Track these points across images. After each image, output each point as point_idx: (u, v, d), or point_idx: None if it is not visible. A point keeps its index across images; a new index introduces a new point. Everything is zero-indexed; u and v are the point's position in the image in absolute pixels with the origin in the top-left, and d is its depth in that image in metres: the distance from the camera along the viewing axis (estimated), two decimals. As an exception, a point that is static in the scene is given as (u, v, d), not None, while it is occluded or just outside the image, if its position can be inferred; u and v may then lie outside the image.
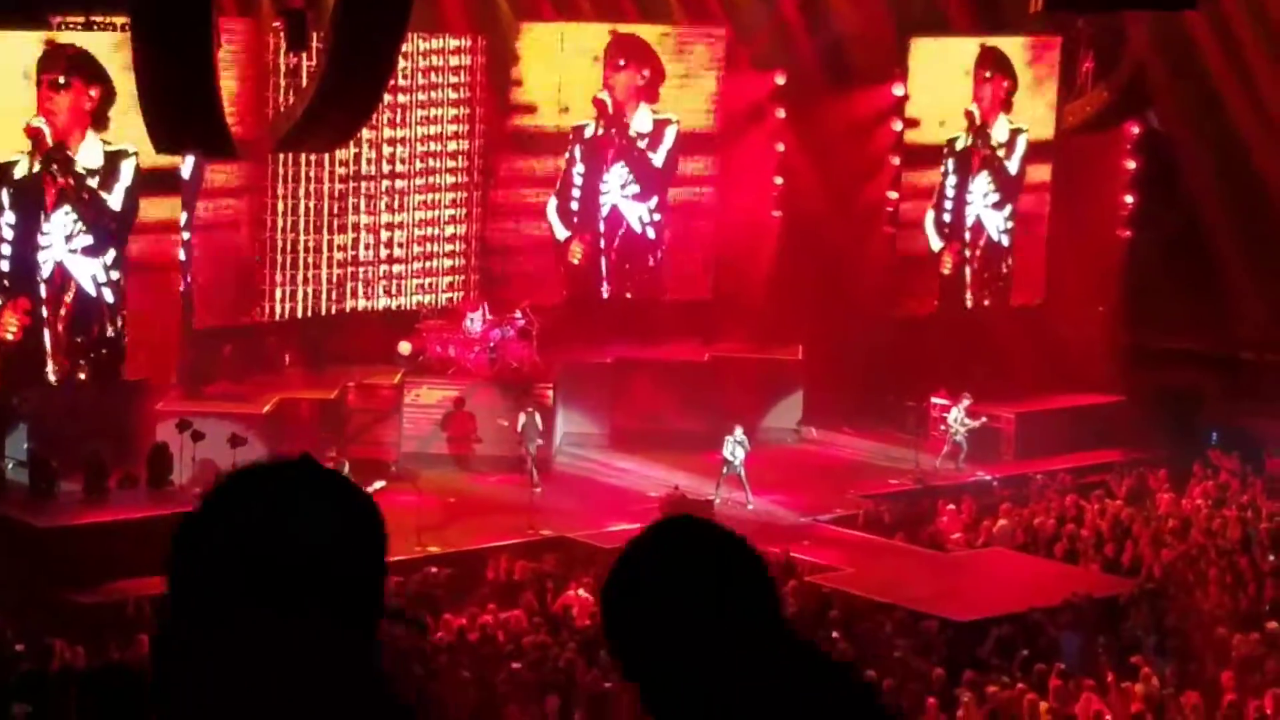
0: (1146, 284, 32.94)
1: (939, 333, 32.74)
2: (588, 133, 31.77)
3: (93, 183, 26.30)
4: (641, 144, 32.05)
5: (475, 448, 28.84)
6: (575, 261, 32.19)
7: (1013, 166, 33.68)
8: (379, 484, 25.16)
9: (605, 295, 32.44)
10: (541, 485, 27.44)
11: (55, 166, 26.03)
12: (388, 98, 27.23)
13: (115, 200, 26.46)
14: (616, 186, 32.19)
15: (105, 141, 26.20)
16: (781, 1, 32.21)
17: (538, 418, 28.30)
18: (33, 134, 25.75)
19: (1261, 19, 31.79)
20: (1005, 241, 34.05)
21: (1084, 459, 29.86)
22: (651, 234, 32.53)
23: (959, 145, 33.24)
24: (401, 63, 26.80)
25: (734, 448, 27.53)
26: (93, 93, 25.93)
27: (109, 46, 25.62)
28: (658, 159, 32.15)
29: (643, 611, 2.65)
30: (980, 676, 18.47)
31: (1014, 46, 33.04)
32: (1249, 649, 19.45)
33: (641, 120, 31.98)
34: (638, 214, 32.39)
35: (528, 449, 28.04)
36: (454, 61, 30.35)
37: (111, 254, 26.68)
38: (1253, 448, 29.32)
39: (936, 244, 33.55)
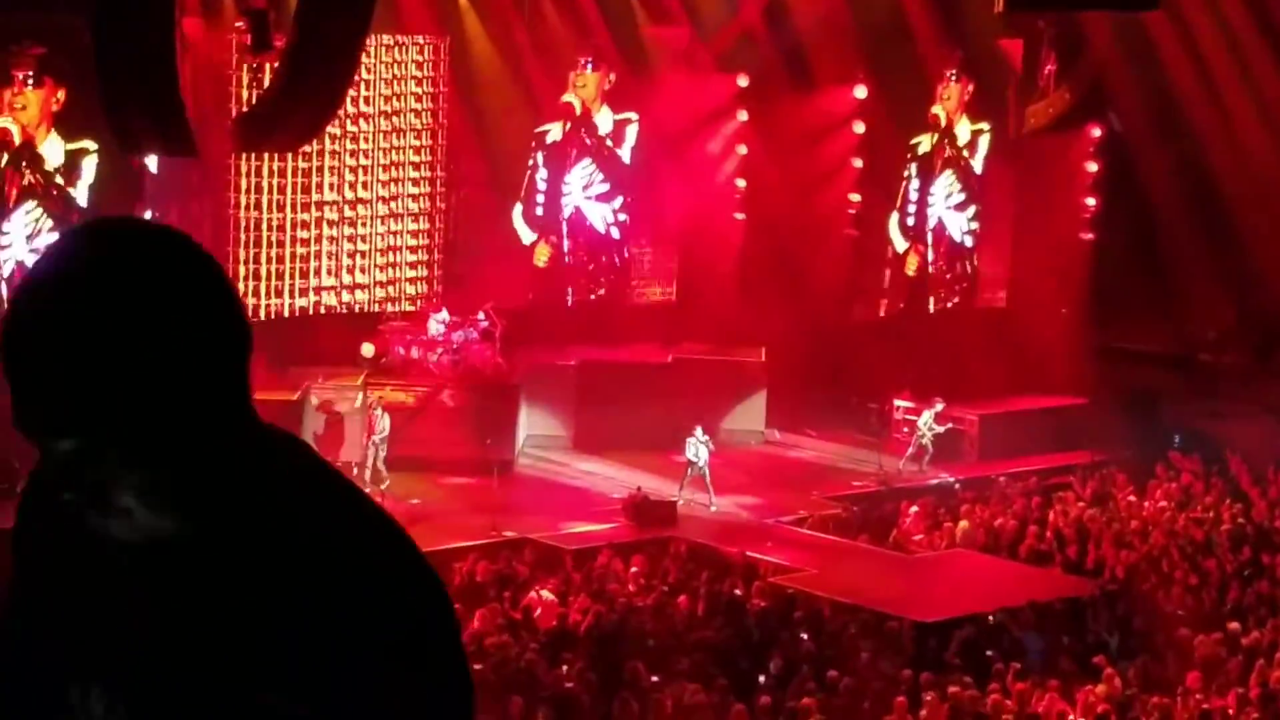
0: (1109, 286, 33.03)
1: (902, 335, 32.78)
2: (549, 138, 31.66)
3: (59, 179, 26.19)
4: (609, 142, 31.95)
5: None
6: (541, 264, 32.10)
7: (977, 166, 33.75)
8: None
9: (570, 301, 32.34)
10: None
11: (24, 163, 25.90)
12: (351, 96, 27.10)
13: (81, 195, 26.35)
14: (579, 188, 32.06)
15: (65, 140, 26.09)
16: (743, 4, 32.20)
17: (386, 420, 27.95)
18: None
19: (1221, 20, 31.91)
20: (969, 243, 34.10)
21: (1047, 461, 29.89)
22: (616, 234, 32.45)
23: (921, 149, 33.29)
24: (364, 62, 26.67)
25: (697, 449, 27.46)
26: (60, 94, 25.79)
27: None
28: (624, 155, 32.05)
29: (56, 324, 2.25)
30: (943, 677, 18.50)
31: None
32: (1211, 649, 19.51)
33: (604, 120, 31.88)
34: (601, 214, 32.30)
35: (378, 450, 27.58)
36: (418, 59, 30.21)
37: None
38: (1213, 449, 29.39)
39: (901, 245, 33.60)
